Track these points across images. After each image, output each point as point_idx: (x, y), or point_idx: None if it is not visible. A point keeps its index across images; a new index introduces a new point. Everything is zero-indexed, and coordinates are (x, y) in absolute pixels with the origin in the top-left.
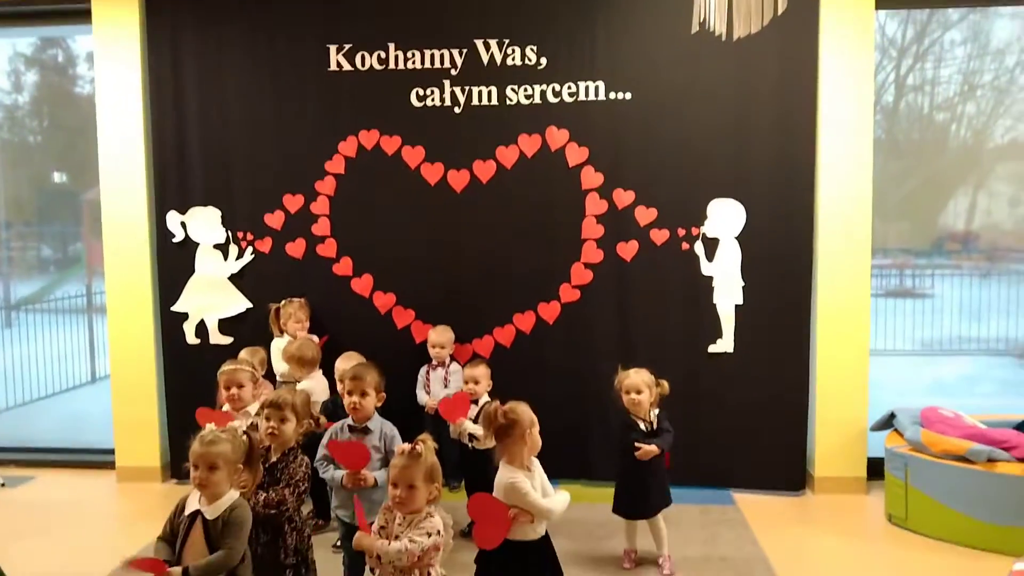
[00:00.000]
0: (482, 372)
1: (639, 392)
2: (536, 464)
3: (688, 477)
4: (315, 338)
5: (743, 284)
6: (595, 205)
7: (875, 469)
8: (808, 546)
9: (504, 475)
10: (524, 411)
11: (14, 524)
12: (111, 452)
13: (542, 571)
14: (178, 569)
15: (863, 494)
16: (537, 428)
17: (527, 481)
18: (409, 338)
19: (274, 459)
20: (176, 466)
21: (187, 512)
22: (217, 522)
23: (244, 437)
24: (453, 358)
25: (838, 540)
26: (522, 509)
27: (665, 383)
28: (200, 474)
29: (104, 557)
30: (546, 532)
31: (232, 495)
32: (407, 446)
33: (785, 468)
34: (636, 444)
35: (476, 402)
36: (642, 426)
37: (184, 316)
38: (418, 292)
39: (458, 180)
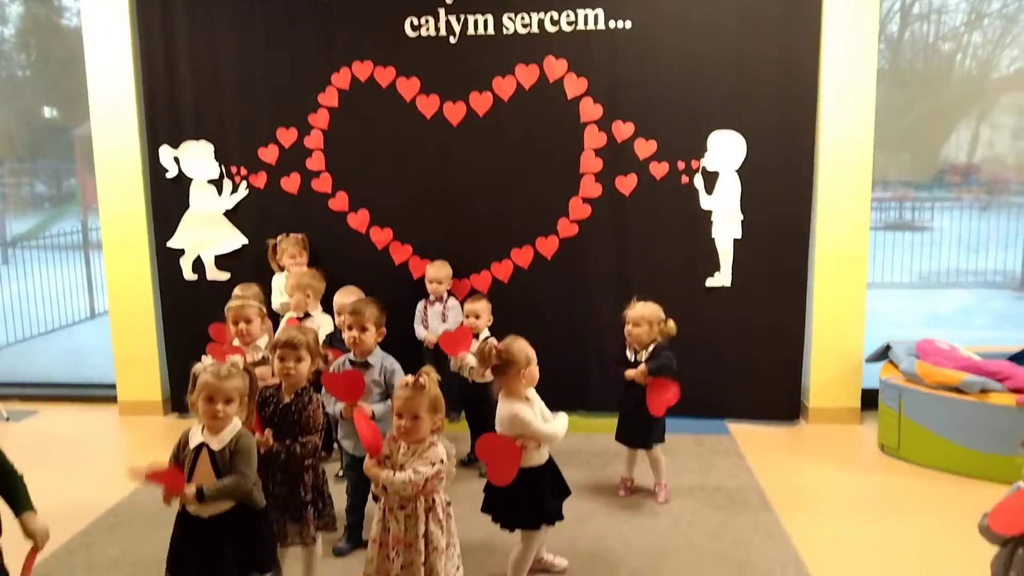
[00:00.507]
0: (483, 307)
1: (637, 325)
2: (533, 393)
3: (683, 408)
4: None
5: (742, 218)
6: (594, 138)
7: (869, 400)
8: (801, 475)
9: (505, 407)
10: (520, 349)
11: (19, 457)
12: (112, 387)
13: (551, 492)
14: (193, 487)
15: (856, 424)
16: (534, 364)
17: (528, 410)
18: (407, 273)
19: (287, 400)
20: (176, 400)
21: (192, 445)
22: (224, 452)
23: (245, 371)
24: (451, 293)
25: (831, 469)
26: (528, 437)
27: (672, 323)
28: (217, 407)
29: (108, 490)
30: (550, 455)
31: (235, 425)
32: (411, 378)
33: (780, 399)
34: (627, 373)
35: (477, 336)
36: (631, 357)
37: (180, 252)
38: (415, 227)
39: (454, 113)
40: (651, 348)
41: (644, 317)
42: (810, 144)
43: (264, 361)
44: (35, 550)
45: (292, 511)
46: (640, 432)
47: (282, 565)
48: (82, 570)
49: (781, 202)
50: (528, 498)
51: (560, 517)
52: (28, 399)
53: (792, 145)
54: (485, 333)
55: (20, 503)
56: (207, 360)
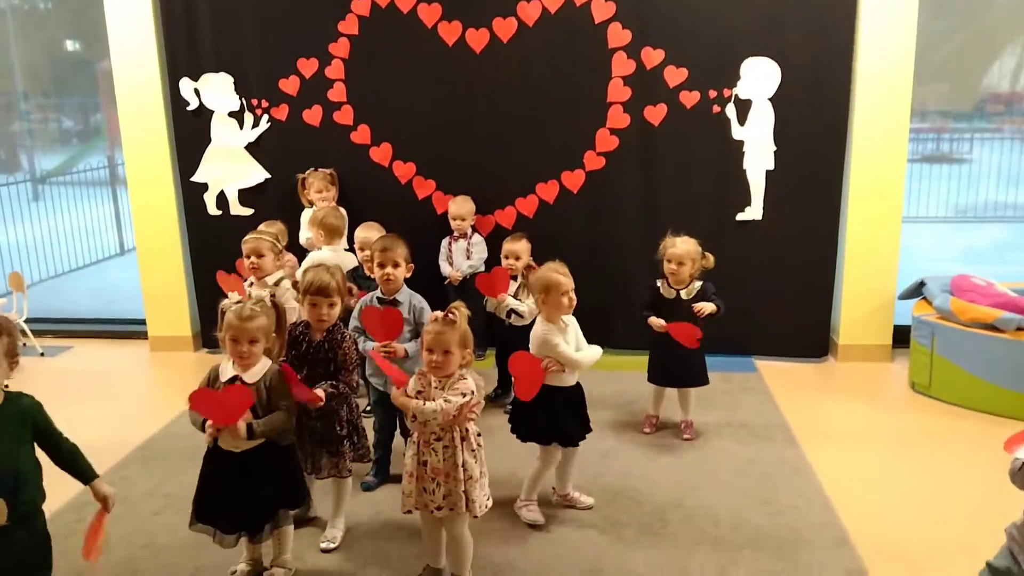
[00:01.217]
0: (523, 247)
1: (680, 264)
2: (571, 321)
3: (710, 344)
4: (341, 209)
5: (775, 149)
6: (622, 65)
7: (900, 337)
8: (829, 412)
9: (538, 329)
10: (552, 273)
11: (54, 392)
12: (143, 322)
13: (570, 414)
14: (243, 423)
15: (887, 362)
16: (570, 292)
17: (559, 334)
18: (430, 209)
19: (318, 338)
20: (206, 335)
21: (224, 380)
22: (259, 386)
23: (272, 306)
24: (475, 229)
25: (859, 407)
26: (552, 359)
27: (711, 257)
28: (242, 348)
29: (141, 424)
30: (578, 383)
31: (266, 362)
32: (441, 313)
33: (809, 335)
34: (691, 307)
35: (515, 278)
36: (678, 294)
37: (204, 187)
38: (439, 161)
39: (477, 39)
40: (695, 285)
41: (688, 254)
42: (847, 72)
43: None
44: (104, 512)
45: (328, 445)
46: (683, 371)
47: (312, 499)
48: (118, 501)
49: (815, 132)
50: (546, 415)
51: (574, 443)
52: (62, 335)
53: (828, 73)
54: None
55: (86, 473)
56: (234, 297)
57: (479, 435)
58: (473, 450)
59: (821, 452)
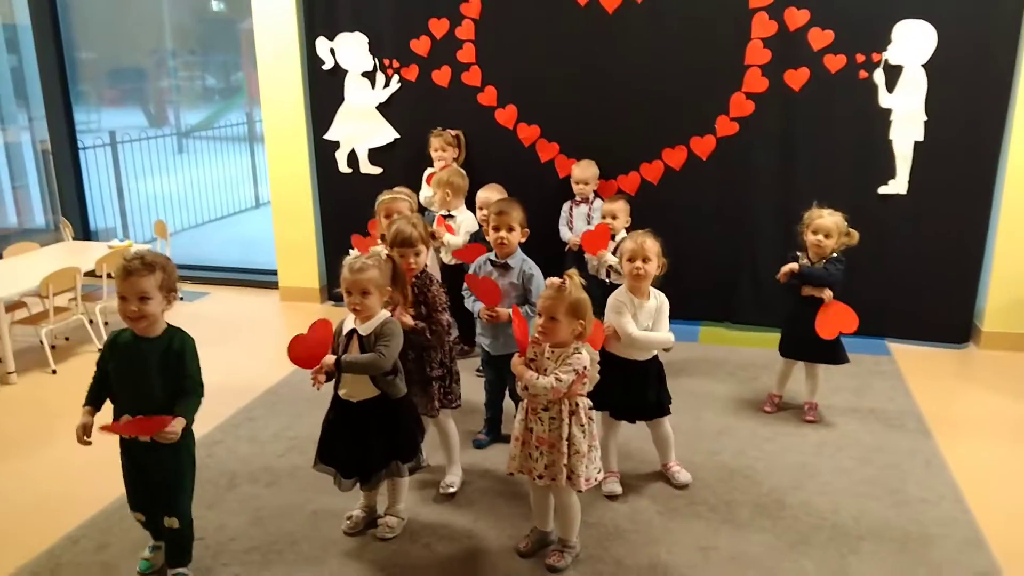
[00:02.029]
0: (620, 207)
1: (827, 236)
2: (657, 297)
3: None
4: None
5: (925, 119)
6: (763, 26)
7: None
8: (967, 403)
9: (613, 294)
10: (626, 243)
11: (193, 335)
12: (274, 273)
13: (612, 384)
14: (332, 357)
15: None
16: (638, 263)
17: (623, 305)
18: (553, 172)
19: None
20: (332, 289)
21: (345, 332)
22: (371, 337)
23: (387, 260)
24: (597, 194)
25: (1000, 398)
26: (612, 328)
27: (855, 233)
28: (354, 299)
29: (270, 370)
30: (655, 358)
31: (383, 314)
32: (556, 280)
33: (950, 319)
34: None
35: (614, 238)
36: (812, 264)
37: (336, 145)
38: (563, 124)
39: None
40: (828, 260)
41: (837, 226)
42: (1014, 37)
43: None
44: (148, 423)
45: (420, 384)
46: (817, 346)
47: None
48: (245, 441)
49: (973, 103)
50: (604, 383)
51: (600, 408)
52: (200, 281)
53: (991, 38)
54: (622, 234)
55: (180, 411)
56: (353, 253)
57: (591, 408)
58: (583, 424)
59: (956, 445)
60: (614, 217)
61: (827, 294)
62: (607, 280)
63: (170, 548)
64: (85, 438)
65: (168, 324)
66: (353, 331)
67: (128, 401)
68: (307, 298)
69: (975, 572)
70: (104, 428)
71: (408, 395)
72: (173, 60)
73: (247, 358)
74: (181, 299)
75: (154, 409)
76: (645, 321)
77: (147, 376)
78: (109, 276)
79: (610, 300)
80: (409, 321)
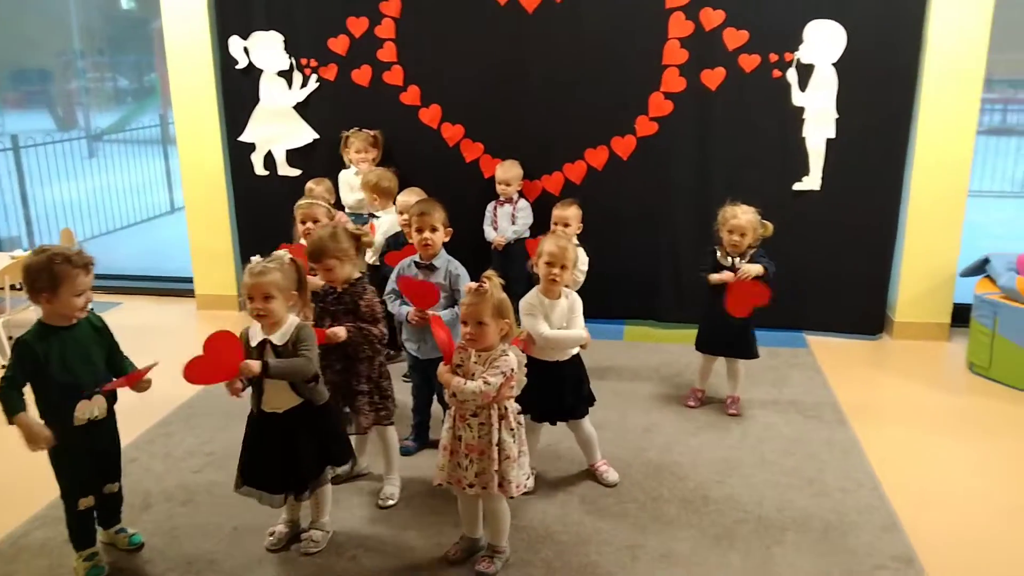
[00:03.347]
0: (573, 214)
1: (742, 235)
2: (569, 296)
3: (760, 318)
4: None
5: (837, 116)
6: (679, 26)
7: (960, 316)
8: (882, 392)
9: (524, 297)
10: (544, 245)
11: None
12: (190, 280)
13: (556, 389)
14: (257, 363)
15: (944, 341)
16: (554, 268)
17: (534, 307)
18: (478, 172)
19: (339, 290)
20: None
21: (254, 344)
22: (287, 346)
23: (291, 263)
24: (521, 194)
25: (914, 387)
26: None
27: (770, 225)
28: (257, 305)
29: (185, 382)
30: (573, 358)
31: (293, 320)
32: (474, 284)
33: (864, 311)
34: (736, 268)
35: None
36: (733, 263)
37: (251, 147)
38: (488, 124)
39: None
40: (748, 254)
41: (750, 224)
42: (917, 38)
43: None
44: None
45: (346, 399)
46: (731, 340)
47: (359, 457)
48: (160, 458)
49: (881, 101)
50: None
51: (541, 420)
52: (111, 291)
53: (897, 38)
54: (574, 241)
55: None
56: (256, 258)
57: (520, 412)
58: (512, 429)
59: (872, 433)
60: (566, 224)
61: (727, 276)
62: None
63: (109, 511)
64: (46, 433)
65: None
66: (266, 341)
67: (79, 388)
68: (224, 306)
69: (891, 556)
70: (105, 388)
71: (331, 400)
72: (81, 61)
73: (161, 370)
74: (91, 310)
75: (103, 379)
76: (559, 322)
77: (93, 355)
78: (13, 288)
79: (522, 303)
80: (342, 334)
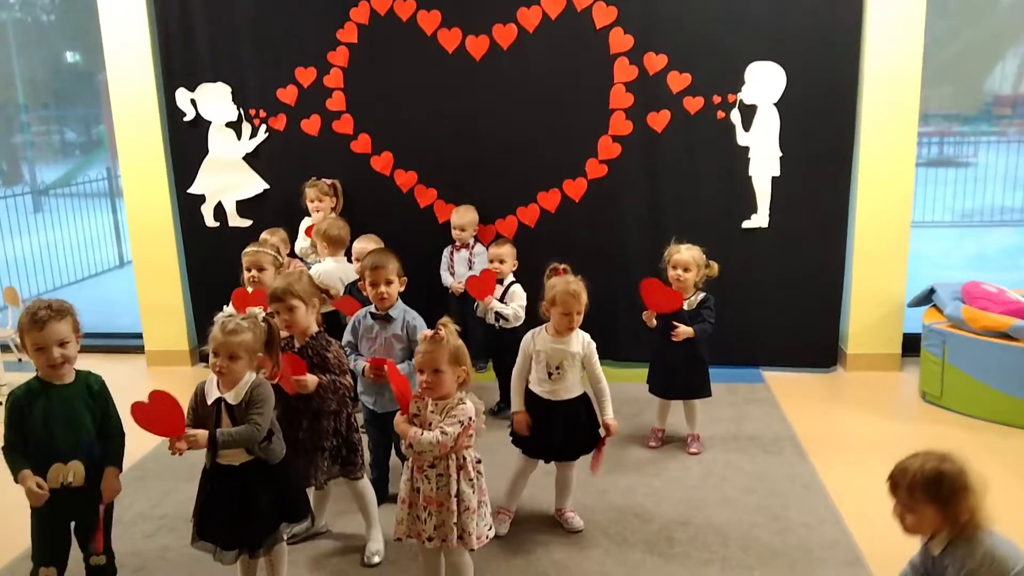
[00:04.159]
0: (507, 251)
1: (686, 270)
2: (572, 337)
3: (717, 356)
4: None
5: (781, 155)
6: (624, 71)
7: (910, 346)
8: (838, 424)
9: (527, 336)
10: (557, 285)
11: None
12: (140, 336)
13: (544, 428)
14: (204, 432)
15: (896, 371)
16: (562, 311)
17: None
18: (432, 218)
19: (298, 345)
20: (203, 349)
21: (210, 401)
22: (241, 405)
23: (263, 323)
24: (477, 239)
25: (869, 417)
26: None
27: (715, 265)
28: (221, 362)
29: (134, 443)
30: (583, 395)
31: (250, 377)
32: (429, 332)
33: (817, 345)
34: (673, 325)
35: (501, 282)
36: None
37: (201, 199)
38: (440, 170)
39: (477, 46)
40: (698, 296)
41: (693, 260)
42: (853, 76)
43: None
44: (100, 503)
45: (309, 454)
46: (682, 382)
47: (318, 515)
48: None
49: (822, 138)
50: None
51: (536, 457)
52: None
53: (834, 77)
54: (510, 278)
55: (112, 457)
56: (227, 310)
57: (479, 462)
58: (471, 479)
59: (831, 466)
60: (501, 261)
61: (651, 321)
62: (496, 324)
63: None
64: (39, 490)
65: (77, 369)
66: (220, 399)
67: (57, 451)
68: (175, 361)
69: None
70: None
71: (292, 457)
72: (25, 115)
73: None
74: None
75: (87, 451)
76: (558, 365)
77: (80, 419)
78: None
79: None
80: (312, 383)
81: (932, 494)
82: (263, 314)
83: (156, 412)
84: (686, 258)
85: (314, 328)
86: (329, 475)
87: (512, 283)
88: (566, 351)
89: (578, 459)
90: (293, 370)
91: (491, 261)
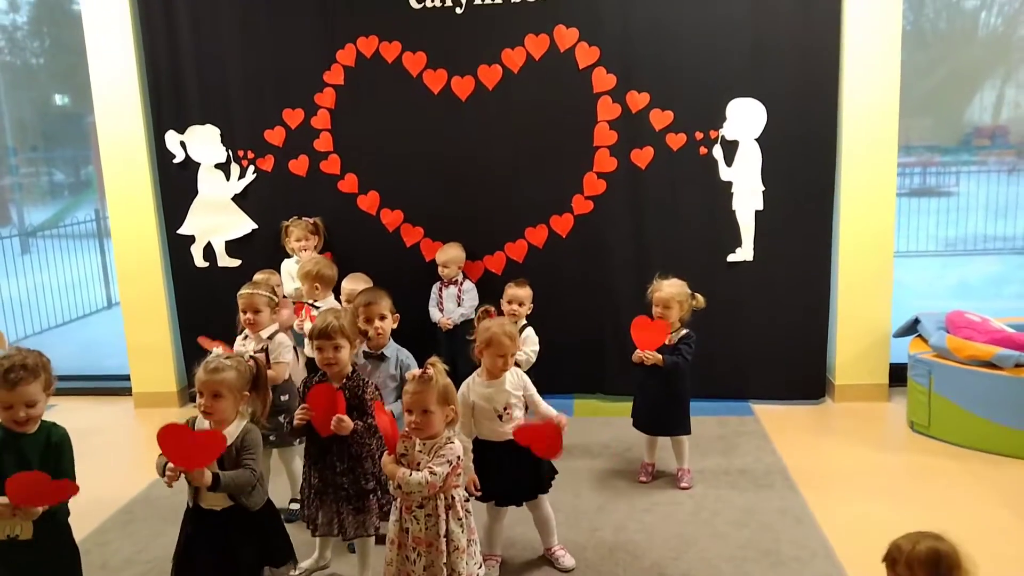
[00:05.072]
0: (525, 294)
1: (667, 307)
2: (505, 376)
3: (706, 389)
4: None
5: (763, 189)
6: (607, 110)
7: (897, 376)
8: (829, 456)
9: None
10: (492, 327)
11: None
12: (127, 378)
13: (513, 467)
14: (209, 473)
15: (884, 401)
16: (497, 353)
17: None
18: (419, 256)
19: (336, 386)
20: (192, 391)
21: None
22: (231, 448)
23: (251, 363)
24: (465, 276)
25: (859, 448)
26: None
27: (701, 297)
28: (204, 402)
29: (123, 485)
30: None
31: (241, 422)
32: (418, 371)
33: (805, 377)
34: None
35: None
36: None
37: (190, 239)
38: (426, 208)
39: (462, 87)
40: (679, 334)
41: (673, 298)
42: (833, 110)
43: (264, 351)
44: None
45: (354, 500)
46: (662, 419)
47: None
48: (96, 569)
49: (804, 171)
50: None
51: (486, 498)
52: None
53: (814, 112)
54: (523, 321)
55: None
56: (217, 351)
57: (467, 500)
58: (460, 518)
59: (822, 498)
60: (520, 303)
61: (636, 357)
62: None
63: None
64: None
65: (42, 420)
66: None
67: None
68: (163, 403)
69: None
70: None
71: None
72: (14, 157)
73: (97, 474)
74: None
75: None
76: (500, 401)
77: (32, 468)
78: None
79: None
80: (349, 425)
81: (932, 571)
82: (249, 354)
83: (189, 443)
84: (666, 296)
85: (349, 368)
86: (381, 518)
87: (525, 326)
88: (507, 391)
89: (540, 496)
90: (333, 408)
91: (509, 303)
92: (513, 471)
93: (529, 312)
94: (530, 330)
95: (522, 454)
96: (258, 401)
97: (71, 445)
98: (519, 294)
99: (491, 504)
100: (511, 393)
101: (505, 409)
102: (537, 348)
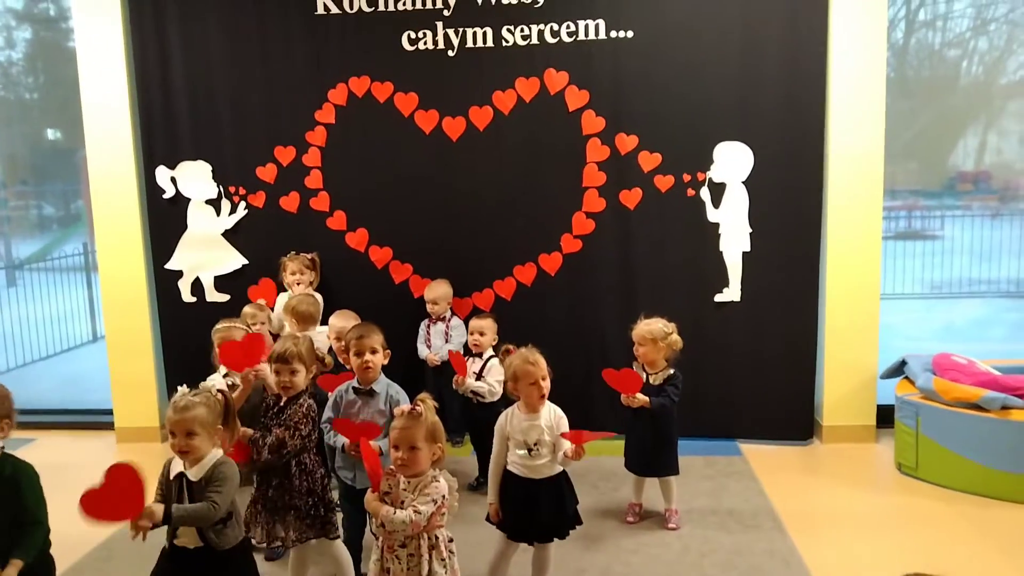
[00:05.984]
0: (488, 324)
1: (641, 344)
2: (543, 411)
3: (694, 428)
4: (317, 295)
5: (750, 230)
6: (596, 151)
7: (885, 417)
8: (817, 497)
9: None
10: (521, 367)
11: None
12: (110, 412)
13: (522, 508)
14: (160, 507)
15: (872, 443)
16: (527, 382)
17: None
18: (407, 292)
19: (282, 404)
20: None
21: (172, 476)
22: (201, 482)
23: (219, 396)
24: (454, 312)
25: (847, 490)
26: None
27: (676, 336)
28: (179, 441)
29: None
30: (561, 474)
31: (215, 454)
32: (407, 407)
33: (793, 417)
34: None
35: (480, 355)
36: (648, 378)
37: (179, 274)
38: (415, 245)
39: (453, 128)
40: (664, 374)
41: (646, 336)
42: (819, 154)
43: (233, 387)
44: None
45: (281, 512)
46: (650, 460)
47: None
48: None
49: (790, 214)
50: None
51: (518, 539)
52: (26, 426)
53: (800, 155)
54: (488, 352)
55: (19, 553)
56: (182, 390)
57: (451, 541)
58: (443, 559)
59: (810, 540)
60: (482, 334)
61: (626, 399)
62: (474, 399)
63: None
64: None
65: (3, 452)
66: (181, 475)
67: None
68: (146, 438)
69: None
70: None
71: (245, 538)
72: (3, 190)
73: (75, 510)
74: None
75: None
76: (535, 437)
77: None
78: None
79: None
80: (244, 431)
81: None
82: (217, 387)
83: (111, 495)
84: (640, 332)
85: (302, 387)
86: (304, 536)
87: (491, 357)
88: (540, 426)
89: (556, 540)
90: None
91: (471, 333)
92: (537, 510)
93: (494, 343)
94: (495, 360)
95: (550, 495)
96: (227, 435)
97: (34, 479)
98: (480, 324)
99: (504, 536)
100: (544, 430)
101: (536, 444)
102: (502, 379)
